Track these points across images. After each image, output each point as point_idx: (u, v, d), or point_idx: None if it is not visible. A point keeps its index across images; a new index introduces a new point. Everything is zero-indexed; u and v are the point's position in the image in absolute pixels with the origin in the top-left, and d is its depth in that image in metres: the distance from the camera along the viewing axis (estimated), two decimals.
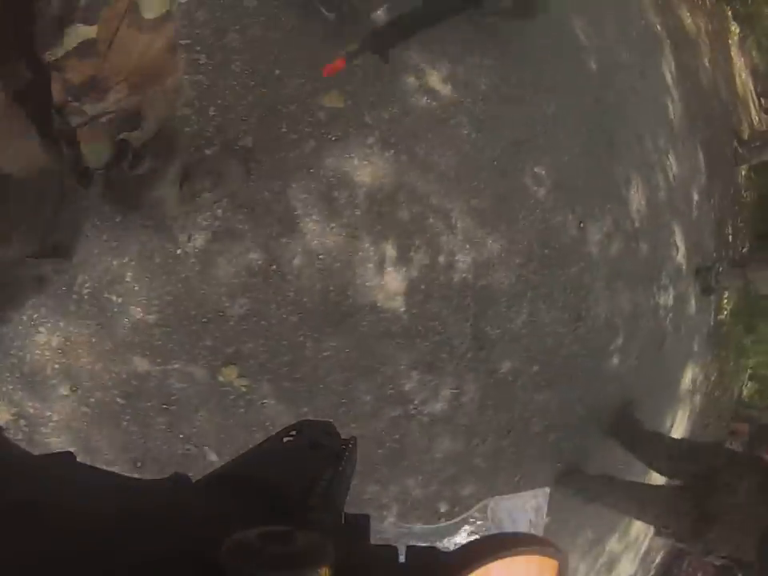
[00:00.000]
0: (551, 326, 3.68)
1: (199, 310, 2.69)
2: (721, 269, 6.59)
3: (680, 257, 5.46)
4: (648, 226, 4.82)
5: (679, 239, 5.43)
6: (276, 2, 3.01)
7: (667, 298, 5.22)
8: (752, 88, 9.38)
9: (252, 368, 2.79)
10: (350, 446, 0.73)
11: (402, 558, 0.49)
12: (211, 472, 0.63)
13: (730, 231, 7.25)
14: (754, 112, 9.03)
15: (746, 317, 7.84)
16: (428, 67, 3.22)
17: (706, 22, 8.10)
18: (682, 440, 5.49)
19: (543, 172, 3.63)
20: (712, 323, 6.90)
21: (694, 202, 5.98)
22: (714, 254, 6.63)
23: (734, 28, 9.08)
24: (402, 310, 3.05)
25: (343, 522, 0.60)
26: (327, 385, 2.95)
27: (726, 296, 7.01)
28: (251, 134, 2.80)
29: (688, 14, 7.35)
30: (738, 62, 9.04)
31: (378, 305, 2.98)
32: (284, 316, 2.78)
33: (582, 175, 3.95)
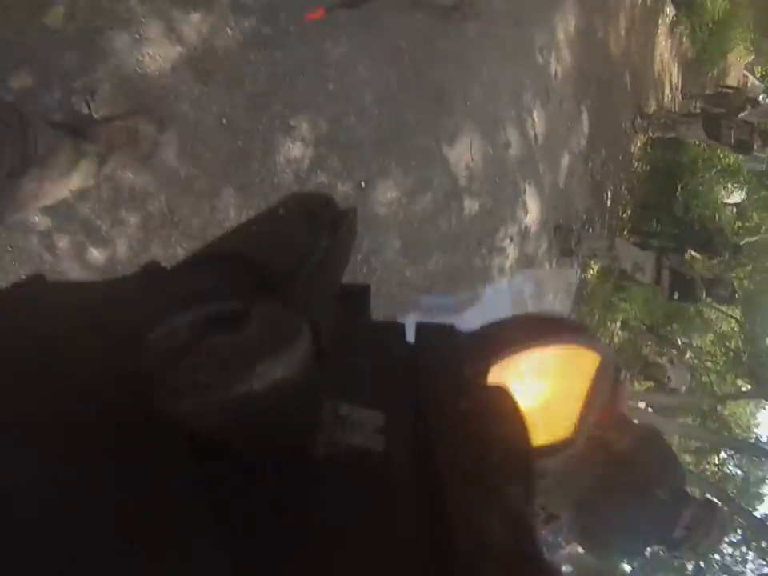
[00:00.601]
0: None
1: None
2: (590, 230, 5.73)
3: (529, 218, 4.55)
4: (483, 186, 3.90)
5: (531, 199, 4.51)
6: None
7: (503, 260, 4.32)
8: (673, 70, 8.28)
9: None
10: (351, 215, 0.53)
11: (410, 338, 0.34)
12: (193, 253, 0.43)
13: (610, 196, 6.30)
14: (667, 91, 7.95)
15: (616, 278, 6.96)
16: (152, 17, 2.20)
17: None
18: None
19: (305, 125, 2.68)
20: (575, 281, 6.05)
21: (564, 164, 5.04)
22: (584, 216, 5.73)
23: (669, 10, 7.92)
24: None
25: (341, 294, 0.44)
26: None
27: (594, 259, 6.10)
28: None
29: None
30: (665, 42, 7.91)
31: None
32: None
33: (377, 128, 3.02)
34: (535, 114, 4.45)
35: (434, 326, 0.35)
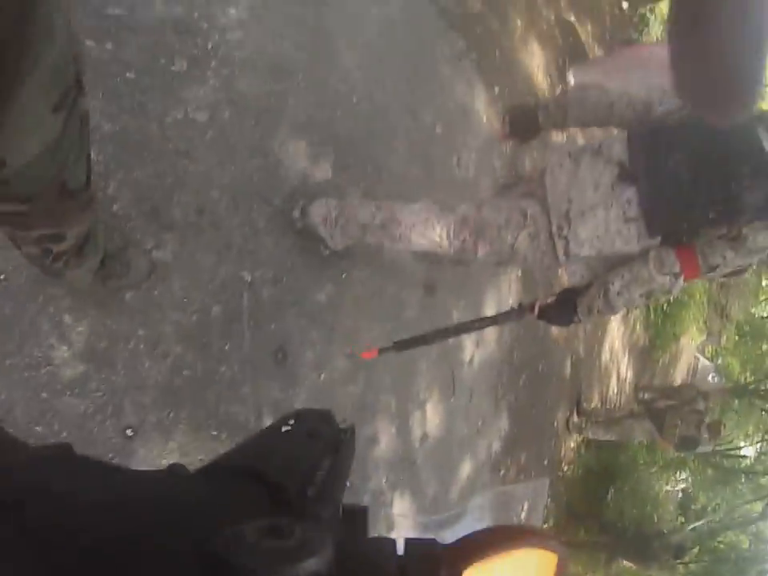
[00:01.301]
0: None
1: None
2: None
3: None
4: None
5: (402, 526, 3.10)
6: None
7: None
8: (623, 360, 7.31)
9: None
10: (349, 435, 0.59)
11: (400, 551, 0.39)
12: (208, 463, 0.48)
13: (525, 509, 4.88)
14: (614, 383, 6.88)
15: None
16: None
17: None
18: None
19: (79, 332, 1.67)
20: None
21: (463, 473, 3.68)
22: None
23: None
24: None
25: (341, 513, 0.49)
26: None
27: None
28: None
29: None
30: (618, 329, 7.00)
31: None
32: None
33: (166, 378, 1.99)
34: (429, 408, 3.20)
35: (419, 540, 0.39)
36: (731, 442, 13.51)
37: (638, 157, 1.82)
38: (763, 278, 13.47)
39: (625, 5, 8.53)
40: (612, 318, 6.75)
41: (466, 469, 3.63)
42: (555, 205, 1.91)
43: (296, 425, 0.57)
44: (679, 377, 12.20)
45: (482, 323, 2.42)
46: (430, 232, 2.14)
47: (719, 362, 15.11)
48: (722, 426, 5.48)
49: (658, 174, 1.78)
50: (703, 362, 14.42)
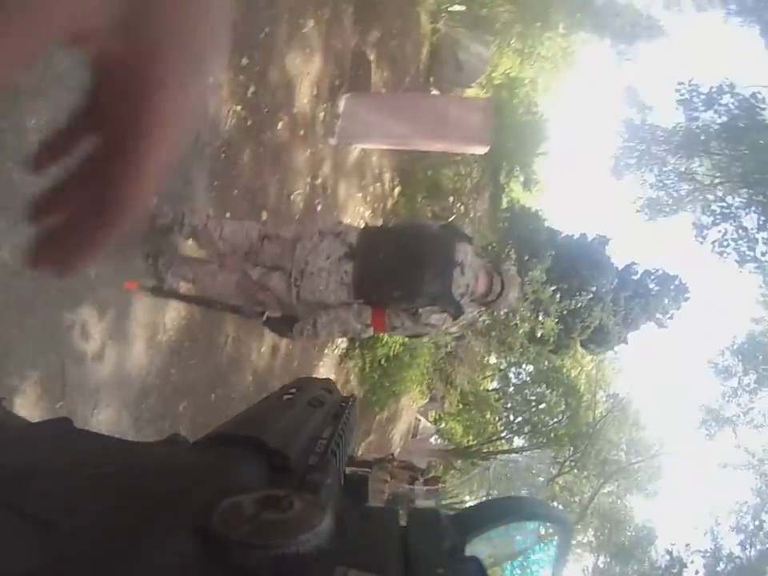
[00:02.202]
0: None
1: None
2: None
3: None
4: None
5: None
6: None
7: None
8: None
9: None
10: (350, 403, 0.59)
11: (403, 522, 0.38)
12: (209, 432, 0.46)
13: None
14: None
15: None
16: None
17: None
18: None
19: None
20: None
21: None
22: None
23: (340, 341, 6.96)
24: None
25: (343, 482, 0.48)
26: None
27: None
28: None
29: None
30: (327, 373, 6.76)
31: None
32: None
33: None
34: (22, 409, 2.39)
35: (422, 511, 0.39)
36: (456, 496, 14.21)
37: (362, 244, 2.54)
38: (492, 355, 14.83)
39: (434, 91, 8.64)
40: (323, 363, 6.53)
41: None
42: (297, 263, 2.55)
43: (297, 394, 0.56)
44: (398, 435, 12.53)
45: (224, 306, 2.74)
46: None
47: (442, 425, 16.05)
48: (441, 483, 5.48)
49: (370, 259, 2.49)
50: (425, 423, 15.15)
